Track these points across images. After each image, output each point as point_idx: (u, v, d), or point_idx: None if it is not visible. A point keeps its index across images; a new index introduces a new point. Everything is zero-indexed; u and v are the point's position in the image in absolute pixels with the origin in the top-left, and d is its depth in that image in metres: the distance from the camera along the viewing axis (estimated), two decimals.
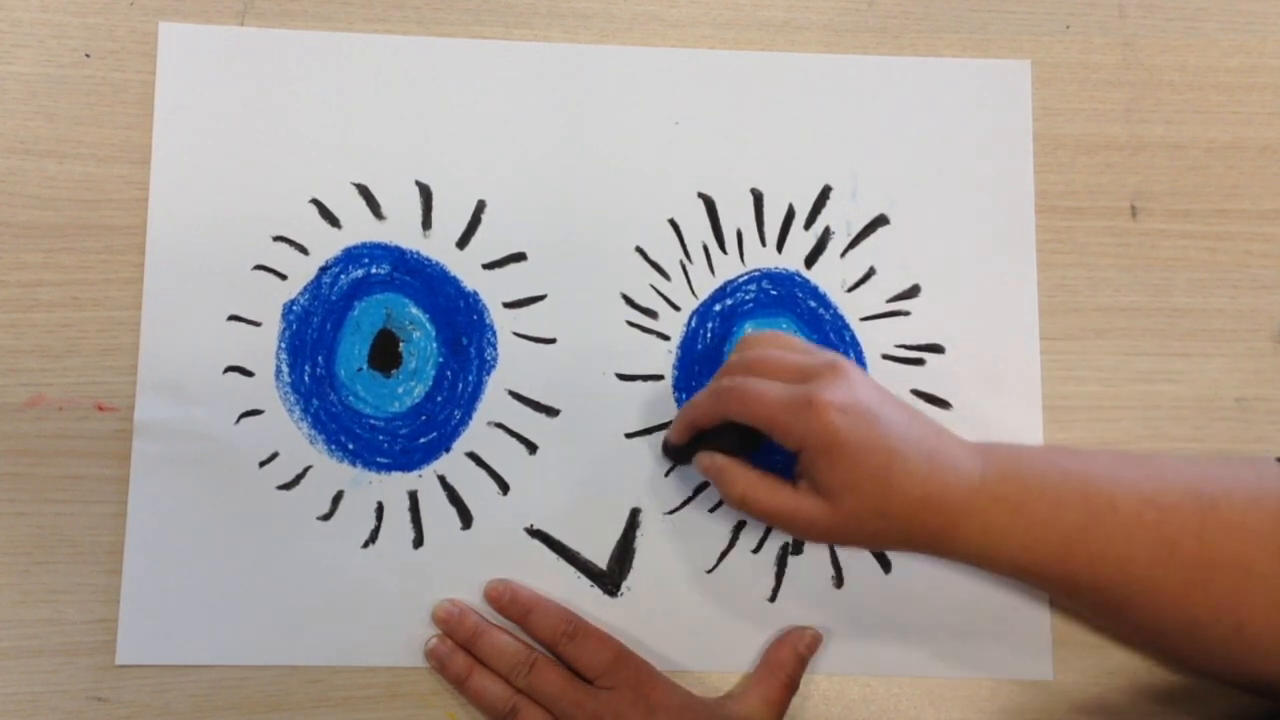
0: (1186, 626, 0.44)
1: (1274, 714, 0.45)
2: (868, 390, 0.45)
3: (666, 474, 0.53)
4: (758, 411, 0.46)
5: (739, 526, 0.53)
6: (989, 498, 0.44)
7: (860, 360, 0.54)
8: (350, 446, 0.52)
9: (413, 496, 0.52)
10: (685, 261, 0.54)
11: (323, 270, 0.53)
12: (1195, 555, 0.43)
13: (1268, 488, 0.44)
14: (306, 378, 0.53)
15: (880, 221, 0.55)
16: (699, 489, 0.53)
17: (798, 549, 0.53)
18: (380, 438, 0.52)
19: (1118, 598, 0.45)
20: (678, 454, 0.51)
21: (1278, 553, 0.42)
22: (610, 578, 0.52)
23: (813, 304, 0.54)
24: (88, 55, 0.54)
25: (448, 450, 0.53)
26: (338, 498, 0.52)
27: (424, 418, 0.53)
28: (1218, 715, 0.52)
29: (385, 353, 0.53)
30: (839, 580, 0.53)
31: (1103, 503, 0.44)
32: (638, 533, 0.53)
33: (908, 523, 0.44)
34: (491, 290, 0.54)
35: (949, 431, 0.47)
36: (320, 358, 0.53)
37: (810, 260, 0.55)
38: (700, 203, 0.55)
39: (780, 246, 0.55)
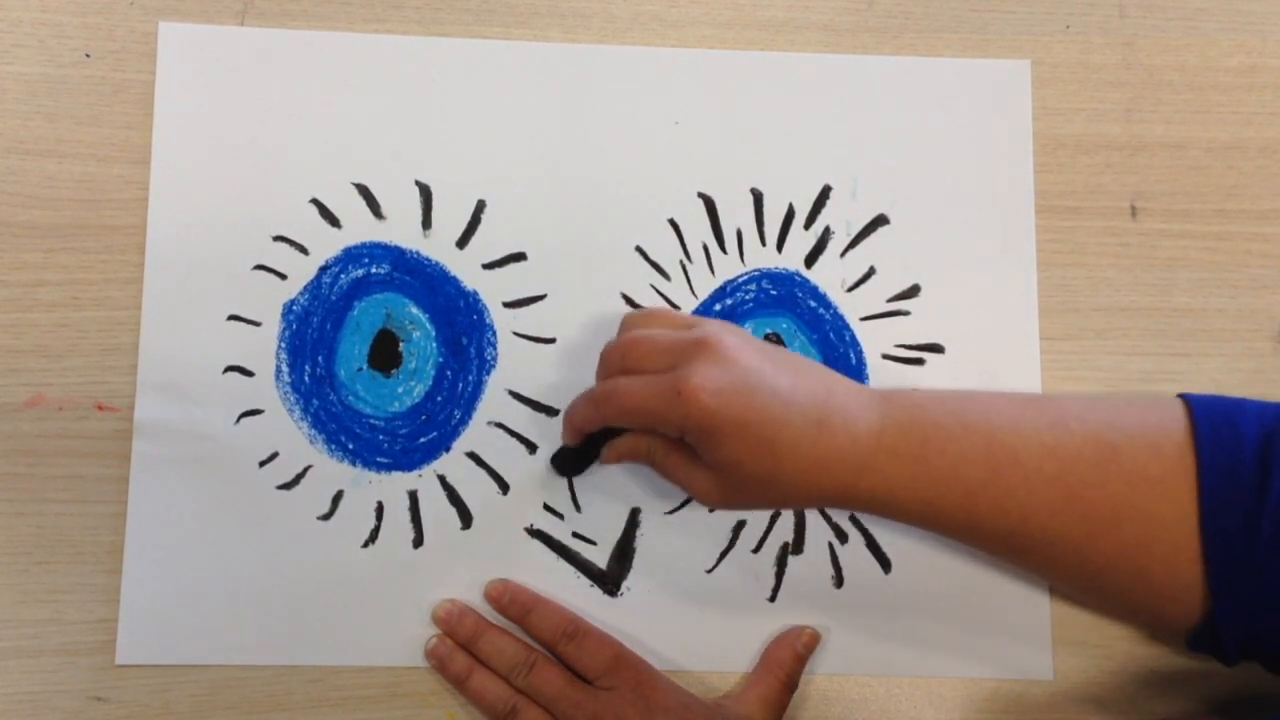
0: (1089, 573, 0.45)
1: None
2: (743, 361, 0.44)
3: (569, 481, 0.52)
4: (632, 413, 0.46)
5: (739, 526, 0.53)
6: (888, 453, 0.44)
7: (860, 360, 0.54)
8: (350, 446, 0.52)
9: (413, 496, 0.52)
10: (685, 261, 0.54)
11: (323, 270, 0.53)
12: (1097, 505, 0.43)
13: (1171, 432, 0.43)
14: (306, 378, 0.53)
15: (880, 221, 0.55)
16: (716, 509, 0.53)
17: (798, 549, 0.53)
18: (380, 437, 0.52)
19: (1020, 546, 0.45)
20: (577, 461, 0.51)
21: (1178, 500, 0.42)
22: (610, 578, 0.52)
23: (813, 304, 0.54)
24: (88, 55, 0.54)
25: (448, 450, 0.53)
26: (338, 498, 0.52)
27: (424, 417, 0.53)
28: (1219, 716, 0.52)
29: (385, 352, 0.53)
30: (839, 580, 0.53)
31: (1004, 455, 0.44)
32: (638, 533, 0.53)
33: (805, 486, 0.44)
34: (491, 290, 0.54)
35: (844, 383, 0.46)
36: (320, 358, 0.53)
37: (810, 260, 0.55)
38: (700, 203, 0.55)
39: (780, 246, 0.55)
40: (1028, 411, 0.45)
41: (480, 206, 0.54)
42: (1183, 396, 0.45)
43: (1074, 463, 0.43)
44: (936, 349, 0.54)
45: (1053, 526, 0.44)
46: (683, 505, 0.53)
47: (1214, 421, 0.43)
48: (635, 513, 0.53)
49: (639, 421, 0.46)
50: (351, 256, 0.54)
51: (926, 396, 0.46)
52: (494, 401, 0.53)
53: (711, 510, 0.52)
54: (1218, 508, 0.42)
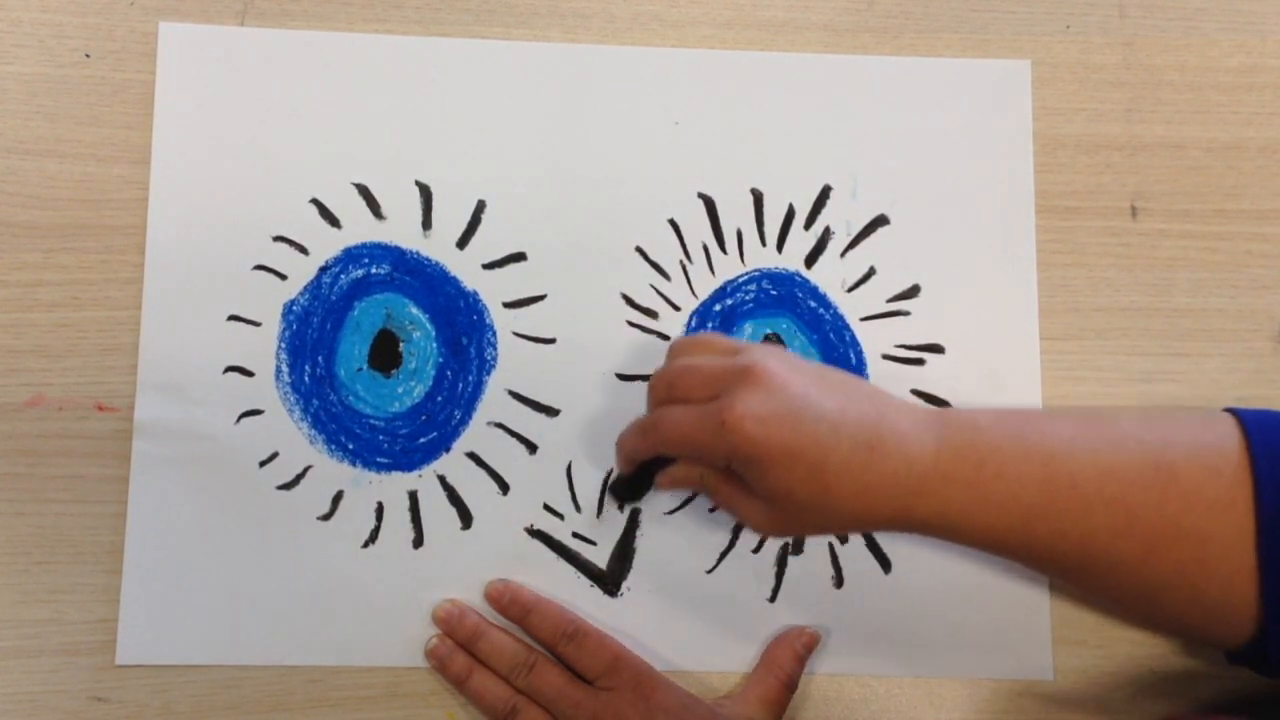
0: (1145, 592, 0.44)
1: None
2: (789, 387, 0.44)
3: (623, 502, 0.52)
4: (678, 445, 0.46)
5: (739, 526, 0.53)
6: (944, 478, 0.43)
7: (860, 360, 0.54)
8: (350, 446, 0.52)
9: (413, 496, 0.52)
10: (685, 261, 0.54)
11: (323, 270, 0.53)
12: (1155, 527, 0.43)
13: (1226, 451, 0.43)
14: (306, 378, 0.53)
15: (880, 221, 0.55)
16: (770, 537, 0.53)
17: (798, 549, 0.53)
18: (380, 438, 0.52)
19: (1077, 567, 0.45)
20: (632, 488, 0.50)
21: (1235, 520, 0.42)
22: (610, 578, 0.52)
23: (813, 304, 0.54)
24: (88, 55, 0.54)
25: (448, 450, 0.53)
26: (338, 498, 0.52)
27: (424, 418, 0.53)
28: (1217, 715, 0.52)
29: (385, 353, 0.53)
30: (839, 580, 0.53)
31: (1063, 479, 0.43)
32: (638, 533, 0.53)
33: (857, 512, 0.44)
34: (491, 290, 0.54)
35: (896, 405, 0.45)
36: (320, 358, 0.53)
37: (810, 260, 0.55)
38: (700, 203, 0.55)
39: (780, 246, 0.55)
40: (1085, 431, 0.45)
41: (480, 206, 0.54)
42: (1233, 412, 0.45)
43: (1132, 485, 0.43)
44: (936, 349, 0.54)
45: (1112, 549, 0.43)
46: (683, 505, 0.53)
47: (1268, 440, 0.43)
48: (635, 513, 0.53)
49: (685, 451, 0.46)
50: (351, 256, 0.54)
51: (983, 415, 0.46)
52: (494, 401, 0.53)
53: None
54: (1274, 526, 0.42)
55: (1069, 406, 0.54)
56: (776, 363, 0.44)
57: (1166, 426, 0.45)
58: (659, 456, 0.48)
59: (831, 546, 0.53)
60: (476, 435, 0.53)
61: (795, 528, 0.46)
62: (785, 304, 0.54)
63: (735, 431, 0.43)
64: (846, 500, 0.43)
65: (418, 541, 0.52)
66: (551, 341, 0.54)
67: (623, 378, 0.53)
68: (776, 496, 0.44)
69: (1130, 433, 0.45)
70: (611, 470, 0.52)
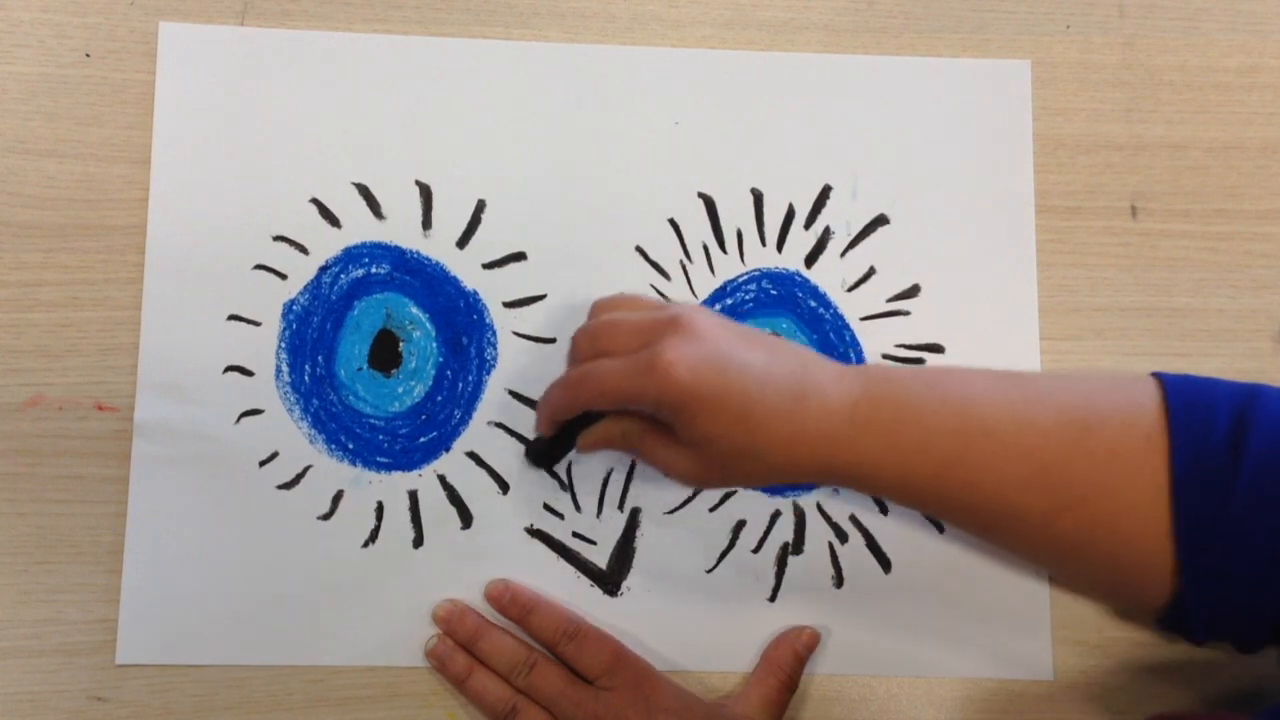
0: (1057, 550, 0.45)
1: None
2: (716, 338, 0.44)
3: (547, 470, 0.53)
4: (608, 393, 0.46)
5: (739, 526, 0.53)
6: (861, 426, 0.44)
7: (860, 360, 0.54)
8: (350, 446, 0.52)
9: (413, 496, 0.52)
10: (685, 261, 0.54)
11: (323, 270, 0.53)
12: (1067, 481, 0.43)
13: (1144, 409, 0.43)
14: (306, 377, 0.53)
15: (880, 221, 0.55)
16: (699, 489, 0.53)
17: (798, 549, 0.53)
18: (380, 437, 0.52)
19: (989, 521, 0.45)
20: (553, 451, 0.51)
21: (1149, 477, 0.42)
22: (610, 578, 0.52)
23: (813, 304, 0.54)
24: (88, 55, 0.54)
25: (448, 450, 0.53)
26: (338, 497, 0.52)
27: (424, 417, 0.53)
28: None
29: (385, 352, 0.53)
30: (839, 580, 0.53)
31: (977, 428, 0.44)
32: (638, 533, 0.53)
33: (782, 461, 0.44)
34: (491, 290, 0.54)
35: (820, 360, 0.46)
36: (320, 357, 0.53)
37: (810, 260, 0.55)
38: (700, 203, 0.55)
39: (780, 246, 0.55)
40: (1002, 386, 0.45)
41: (480, 206, 0.54)
42: (1156, 375, 0.45)
43: (1046, 438, 0.43)
44: (936, 349, 0.54)
45: (1022, 501, 0.44)
46: (683, 505, 0.53)
47: (1186, 401, 0.43)
48: (635, 513, 0.53)
49: (615, 402, 0.46)
50: (351, 256, 0.54)
51: (901, 370, 0.46)
52: (494, 401, 0.53)
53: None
54: (1188, 486, 0.42)
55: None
56: (703, 316, 0.46)
57: (1087, 385, 0.45)
58: (581, 418, 0.48)
59: (831, 546, 0.53)
60: (476, 435, 0.53)
61: (722, 477, 0.47)
62: (785, 304, 0.54)
63: (665, 376, 0.43)
64: (772, 448, 0.44)
65: (418, 541, 0.52)
66: (551, 341, 0.54)
67: None
68: (704, 443, 0.44)
69: (1048, 388, 0.45)
70: (534, 437, 0.52)
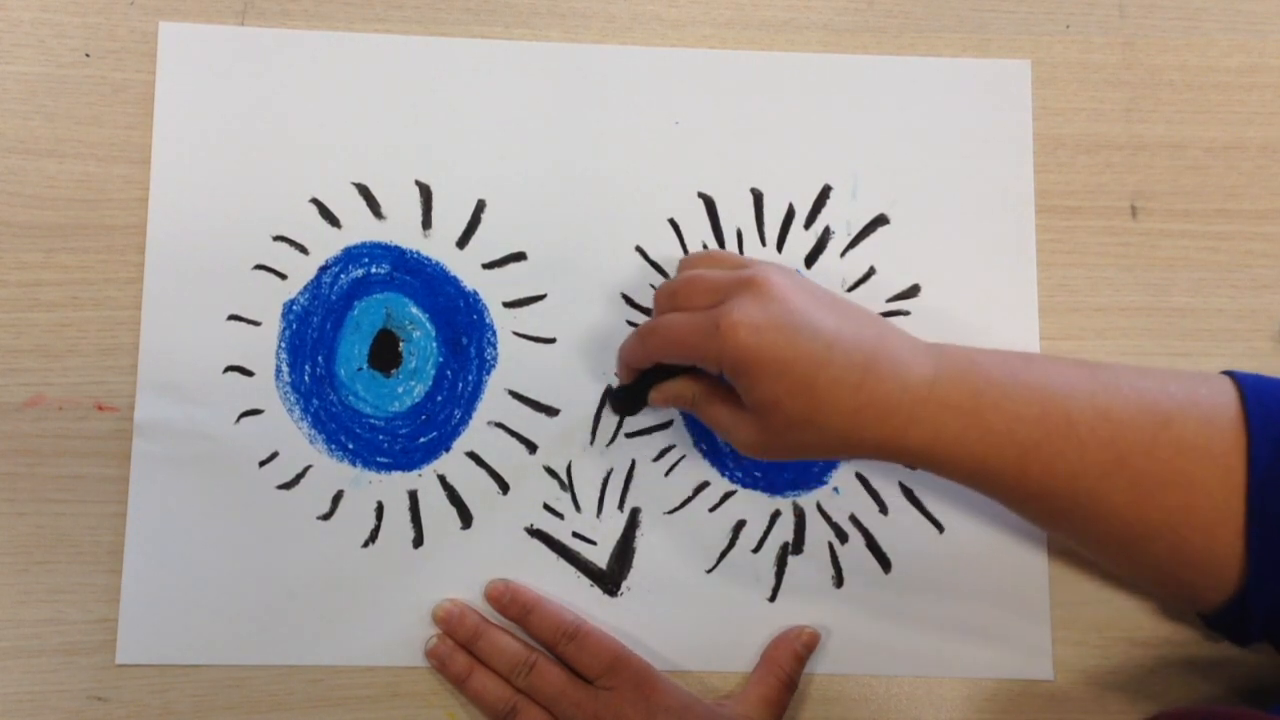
0: (1129, 538, 0.44)
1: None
2: (789, 300, 0.44)
3: (620, 422, 0.53)
4: (674, 348, 0.46)
5: (739, 526, 0.53)
6: (940, 404, 0.43)
7: None
8: (350, 446, 0.52)
9: (413, 496, 0.52)
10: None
11: (323, 270, 0.53)
12: (1145, 470, 0.43)
13: (1221, 405, 0.43)
14: (306, 377, 0.53)
15: (880, 221, 0.55)
16: (699, 489, 0.53)
17: (798, 549, 0.53)
18: (380, 437, 0.52)
19: (1065, 508, 0.45)
20: (629, 400, 0.51)
21: (1225, 472, 0.42)
22: (610, 578, 0.52)
23: None
24: (88, 55, 0.54)
25: (448, 450, 0.53)
26: (338, 497, 0.52)
27: (424, 417, 0.53)
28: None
29: (385, 352, 0.53)
30: (839, 580, 0.53)
31: (1059, 415, 0.43)
32: (638, 533, 0.53)
33: (845, 432, 0.44)
34: (491, 290, 0.54)
35: (897, 332, 0.46)
36: (320, 357, 0.53)
37: (810, 260, 0.55)
38: (700, 203, 0.55)
39: (780, 246, 0.55)
40: (1081, 374, 0.45)
41: (480, 206, 0.54)
42: (1229, 373, 0.45)
43: (1126, 428, 0.43)
44: None
45: (1101, 490, 0.43)
46: (683, 505, 0.53)
47: (1264, 399, 0.43)
48: (635, 513, 0.53)
49: (680, 356, 0.46)
50: (351, 256, 0.54)
51: (982, 352, 0.46)
52: (494, 401, 0.53)
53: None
54: (1266, 482, 0.42)
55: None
56: (780, 276, 0.45)
57: (1164, 378, 0.45)
58: (657, 369, 0.48)
59: (831, 546, 0.53)
60: (476, 435, 0.53)
61: (782, 447, 0.46)
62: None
63: (729, 337, 0.43)
64: (835, 419, 0.43)
65: (418, 541, 0.52)
66: (551, 341, 0.54)
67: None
68: (765, 409, 0.44)
69: (1127, 380, 0.45)
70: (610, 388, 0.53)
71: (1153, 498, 0.43)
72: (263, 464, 0.52)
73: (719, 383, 0.47)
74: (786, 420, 0.44)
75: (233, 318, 0.53)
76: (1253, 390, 0.44)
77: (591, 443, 0.53)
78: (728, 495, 0.53)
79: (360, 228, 0.54)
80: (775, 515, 0.53)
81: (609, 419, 0.53)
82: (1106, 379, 0.45)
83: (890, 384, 0.43)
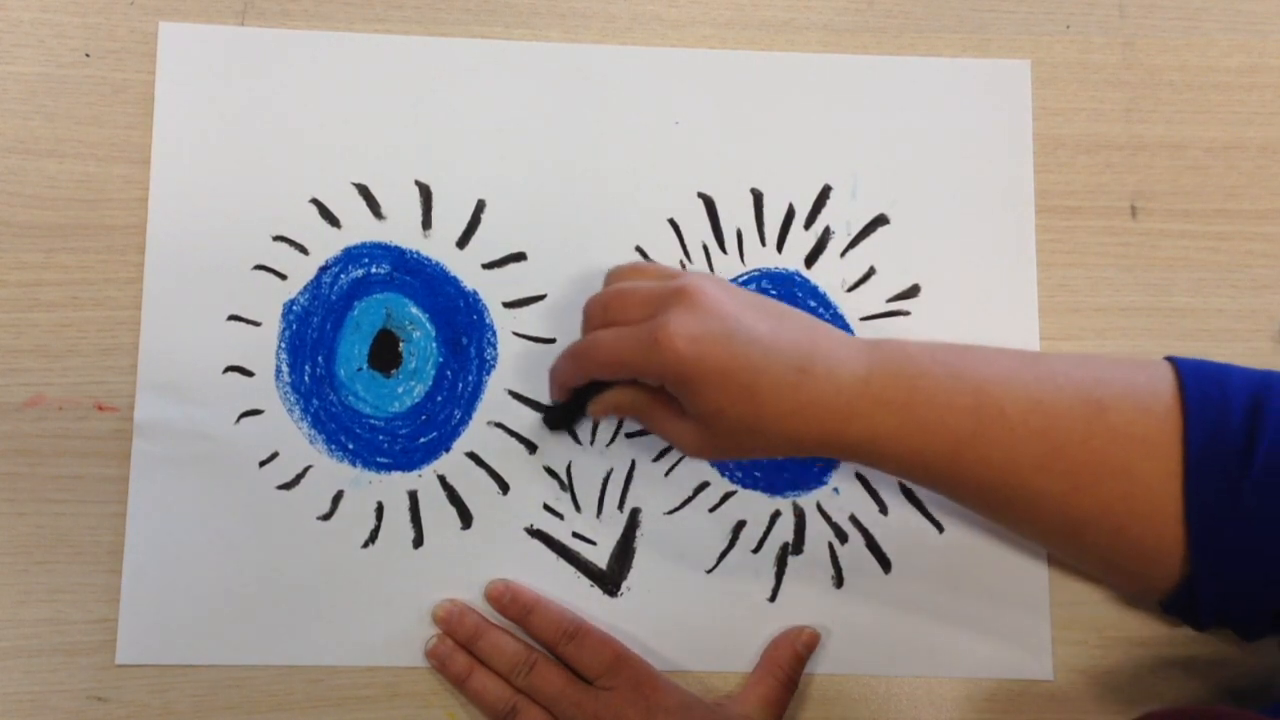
0: (1069, 528, 0.45)
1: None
2: (722, 309, 0.44)
3: (620, 422, 0.53)
4: (612, 365, 0.46)
5: (739, 526, 0.53)
6: (874, 400, 0.44)
7: None
8: (350, 446, 0.52)
9: (413, 496, 0.52)
10: (685, 261, 0.54)
11: (323, 270, 0.53)
12: (1080, 460, 0.43)
13: (1159, 392, 0.43)
14: (306, 378, 0.53)
15: (880, 221, 0.55)
16: (699, 489, 0.53)
17: (798, 549, 0.53)
18: (380, 438, 0.52)
19: (1002, 500, 0.45)
20: (565, 416, 0.51)
21: (1163, 460, 0.42)
22: (610, 578, 0.52)
23: (813, 304, 0.54)
24: (88, 55, 0.54)
25: (448, 450, 0.53)
26: (338, 498, 0.52)
27: (424, 417, 0.53)
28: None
29: (385, 352, 0.53)
30: (839, 580, 0.53)
31: (992, 407, 0.43)
32: (638, 533, 0.53)
33: (788, 433, 0.44)
34: (491, 290, 0.54)
35: (830, 331, 0.46)
36: (320, 358, 0.53)
37: (810, 260, 0.55)
38: (700, 203, 0.55)
39: (780, 246, 0.55)
40: (1016, 365, 0.45)
41: (480, 206, 0.54)
42: (1170, 359, 0.45)
43: (1061, 418, 0.43)
44: None
45: (1036, 481, 0.44)
46: (683, 505, 0.53)
47: (1202, 385, 0.43)
48: (635, 513, 0.53)
49: (619, 373, 0.46)
50: (351, 256, 0.54)
51: (916, 345, 0.46)
52: (494, 401, 0.53)
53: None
54: (1202, 469, 0.42)
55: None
56: (711, 285, 0.45)
57: (1101, 367, 0.45)
58: (593, 383, 0.48)
59: (831, 546, 0.53)
60: (476, 435, 0.53)
61: (727, 450, 0.47)
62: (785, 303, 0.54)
63: (668, 350, 0.43)
64: (778, 421, 0.44)
65: (418, 541, 0.52)
66: (551, 341, 0.54)
67: None
68: (709, 417, 0.44)
69: (1063, 369, 0.45)
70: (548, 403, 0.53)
71: (1089, 488, 0.43)
72: (263, 464, 0.52)
73: (658, 390, 0.47)
74: (730, 426, 0.44)
75: (233, 318, 0.53)
76: (1190, 375, 0.44)
77: (591, 442, 0.53)
78: (728, 495, 0.53)
79: (360, 228, 0.54)
80: (775, 515, 0.53)
81: (609, 419, 0.53)
82: (1043, 369, 0.45)
83: (826, 383, 0.44)
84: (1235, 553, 0.42)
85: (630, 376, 0.46)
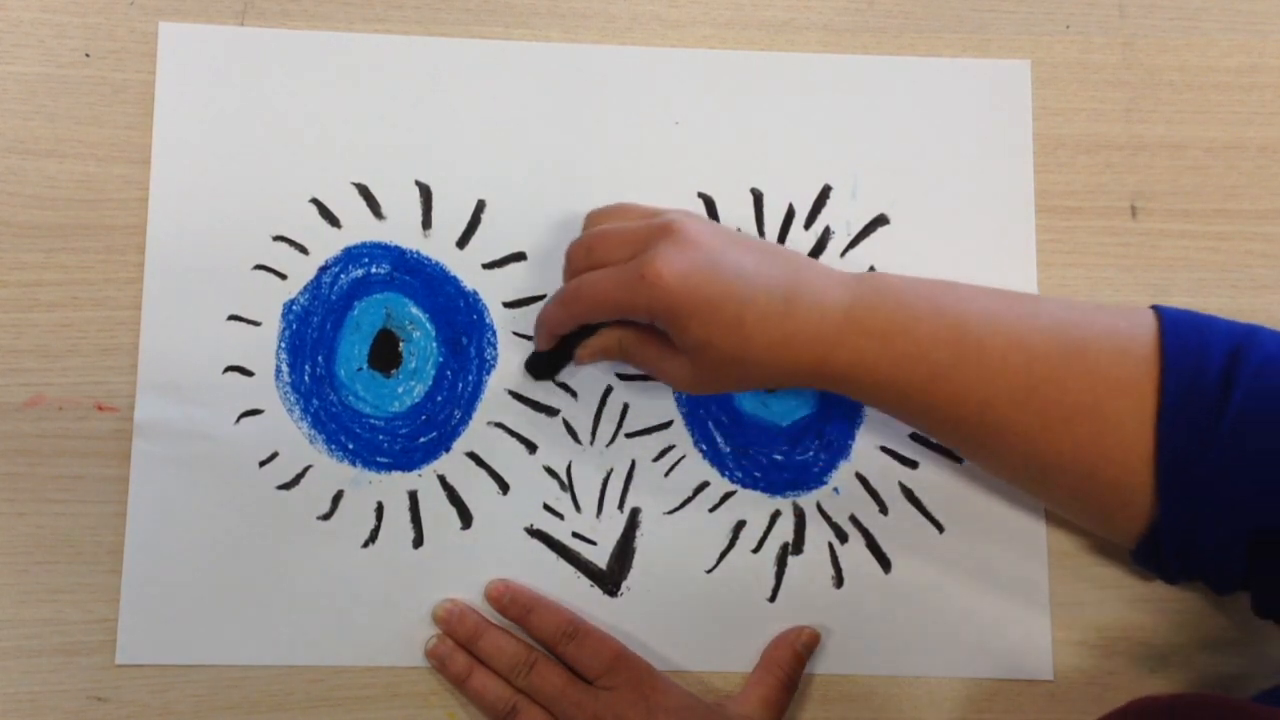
0: (1041, 467, 0.45)
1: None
2: (708, 243, 0.45)
3: (620, 422, 0.53)
4: (601, 306, 0.47)
5: (739, 526, 0.53)
6: (857, 329, 0.44)
7: None
8: (350, 446, 0.52)
9: (413, 496, 0.52)
10: None
11: (323, 270, 0.53)
12: (1055, 400, 0.43)
13: (1139, 337, 0.44)
14: (306, 377, 0.53)
15: (880, 221, 0.55)
16: (699, 489, 0.53)
17: (798, 549, 0.53)
18: (380, 437, 0.52)
19: (976, 435, 0.45)
20: (550, 364, 0.52)
21: (1136, 403, 0.43)
22: (610, 578, 0.52)
23: None
24: (88, 55, 0.54)
25: (448, 450, 0.53)
26: (338, 498, 0.52)
27: (424, 417, 0.53)
28: None
29: (385, 352, 0.53)
30: (839, 580, 0.53)
31: (971, 342, 0.44)
32: (638, 533, 0.53)
33: (775, 364, 0.45)
34: (491, 290, 0.54)
35: (815, 265, 0.47)
36: (320, 357, 0.53)
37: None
38: (700, 203, 0.55)
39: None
40: (1000, 303, 0.46)
41: (480, 206, 0.54)
42: (1155, 308, 0.45)
43: (1039, 356, 0.44)
44: None
45: (1011, 417, 0.44)
46: (683, 505, 0.53)
47: (1182, 332, 0.43)
48: (635, 513, 0.53)
49: (608, 313, 0.47)
50: (351, 256, 0.54)
51: (900, 279, 0.47)
52: (494, 401, 0.53)
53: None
54: (1176, 414, 0.42)
55: None
56: (695, 221, 0.46)
57: (1085, 311, 0.46)
58: (579, 329, 0.49)
59: (831, 546, 0.53)
60: (476, 435, 0.53)
61: (717, 383, 0.47)
62: None
63: (655, 285, 0.44)
64: (765, 351, 0.45)
65: (418, 541, 0.52)
66: None
67: (623, 378, 0.53)
68: (697, 350, 0.45)
69: (1047, 310, 0.45)
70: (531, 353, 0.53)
71: (1063, 427, 0.43)
72: (263, 464, 0.52)
73: (647, 328, 0.47)
74: (719, 358, 0.45)
75: (233, 318, 0.53)
76: (1171, 322, 0.44)
77: (592, 442, 0.53)
78: (728, 495, 0.53)
79: (360, 228, 0.54)
80: (775, 515, 0.53)
81: (609, 418, 0.53)
82: (1026, 309, 0.45)
83: (811, 313, 0.44)
84: (1203, 501, 0.42)
85: (619, 316, 0.47)
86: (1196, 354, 0.43)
